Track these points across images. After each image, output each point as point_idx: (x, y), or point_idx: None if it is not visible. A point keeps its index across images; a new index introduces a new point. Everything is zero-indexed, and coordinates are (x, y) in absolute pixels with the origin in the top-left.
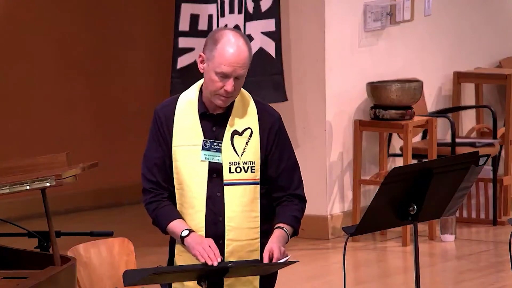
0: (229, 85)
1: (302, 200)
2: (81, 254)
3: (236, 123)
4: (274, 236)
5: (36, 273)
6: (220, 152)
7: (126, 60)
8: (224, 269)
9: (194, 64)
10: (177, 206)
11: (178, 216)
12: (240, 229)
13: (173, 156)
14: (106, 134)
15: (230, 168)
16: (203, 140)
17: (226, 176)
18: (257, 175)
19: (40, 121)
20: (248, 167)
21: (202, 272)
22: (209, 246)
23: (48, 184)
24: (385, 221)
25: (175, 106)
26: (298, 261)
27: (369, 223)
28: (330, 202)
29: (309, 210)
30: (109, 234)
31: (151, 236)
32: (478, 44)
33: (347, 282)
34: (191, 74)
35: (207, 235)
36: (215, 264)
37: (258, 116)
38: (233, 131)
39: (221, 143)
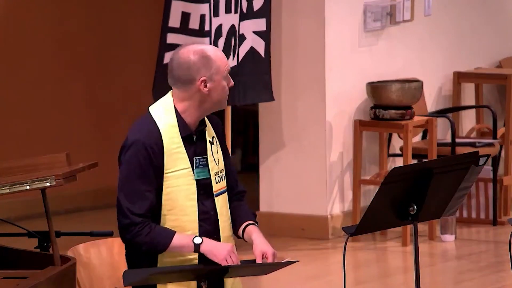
0: (231, 79)
1: (245, 195)
2: (81, 254)
3: (207, 134)
4: (259, 236)
5: (36, 273)
6: (206, 166)
7: (126, 60)
8: (224, 269)
9: None
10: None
11: (174, 231)
12: (228, 237)
13: (164, 183)
14: (106, 134)
15: (216, 178)
16: (194, 159)
17: (215, 187)
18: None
19: (40, 121)
20: (223, 174)
21: (202, 272)
22: (233, 252)
23: (48, 184)
24: (385, 221)
25: (160, 133)
26: (298, 261)
27: (369, 223)
28: (330, 202)
29: (309, 210)
30: (109, 234)
31: None
32: (478, 44)
33: (347, 282)
34: None
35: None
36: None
37: (210, 123)
38: (209, 142)
39: (206, 157)
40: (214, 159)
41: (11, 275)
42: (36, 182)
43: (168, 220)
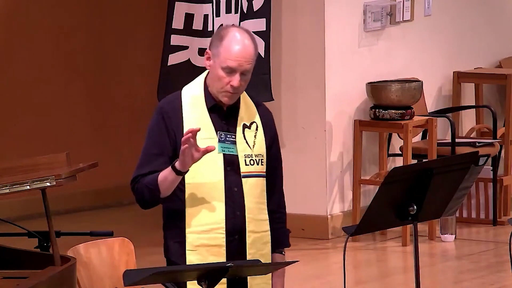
0: (236, 80)
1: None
2: (81, 254)
3: (243, 116)
4: (277, 280)
5: (36, 273)
6: (234, 144)
7: (125, 60)
8: (224, 269)
9: (185, 63)
10: (187, 203)
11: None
12: (257, 221)
13: None
14: (106, 134)
15: (245, 160)
16: (219, 133)
17: (243, 169)
18: (264, 167)
19: (40, 121)
20: (259, 159)
21: (202, 272)
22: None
23: (48, 184)
24: (385, 221)
25: (181, 101)
26: (298, 261)
27: (369, 223)
28: (330, 202)
29: (309, 210)
30: (109, 234)
31: (151, 236)
32: (478, 44)
33: (347, 282)
34: (181, 72)
35: (226, 228)
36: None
37: (258, 111)
38: (243, 124)
39: (235, 135)
40: (247, 142)
41: (11, 275)
42: (36, 182)
43: (191, 189)
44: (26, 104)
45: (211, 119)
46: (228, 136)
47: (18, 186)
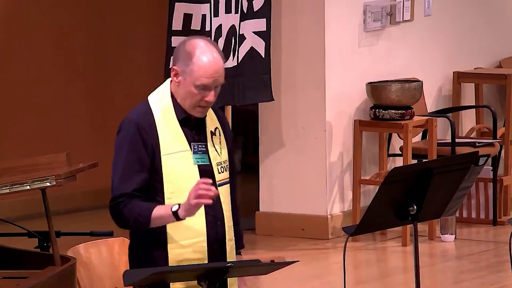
0: (211, 96)
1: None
2: (81, 254)
3: (208, 123)
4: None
5: (36, 273)
6: (206, 153)
7: (125, 60)
8: (224, 269)
9: None
10: None
11: (155, 204)
12: (231, 228)
13: (163, 165)
14: (105, 134)
15: (218, 168)
16: (192, 144)
17: (217, 177)
18: (228, 172)
19: (40, 121)
20: (226, 165)
21: (202, 272)
22: (202, 183)
23: (48, 184)
24: (385, 221)
25: (152, 114)
26: (298, 261)
27: (369, 223)
28: (330, 202)
29: (309, 210)
30: (109, 234)
31: None
32: (478, 44)
33: (347, 282)
34: None
35: (209, 240)
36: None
37: (216, 115)
38: (210, 132)
39: (205, 144)
40: (216, 149)
41: (11, 275)
42: (36, 182)
43: (172, 202)
44: (26, 104)
45: (183, 131)
46: (200, 146)
47: (18, 186)
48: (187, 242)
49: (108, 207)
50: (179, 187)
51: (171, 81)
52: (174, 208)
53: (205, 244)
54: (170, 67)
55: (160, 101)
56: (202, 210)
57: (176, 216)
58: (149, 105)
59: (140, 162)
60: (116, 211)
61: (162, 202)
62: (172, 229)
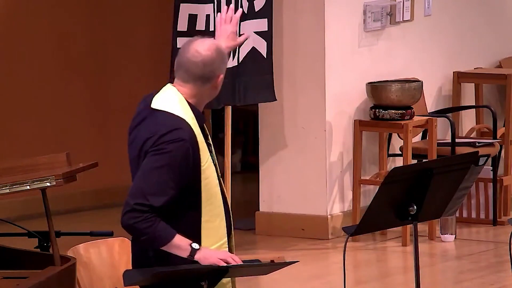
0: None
1: None
2: (81, 254)
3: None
4: None
5: (36, 273)
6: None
7: (125, 60)
8: (224, 269)
9: None
10: (202, 223)
11: (175, 231)
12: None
13: (202, 175)
14: (106, 134)
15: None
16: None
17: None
18: None
19: (40, 121)
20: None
21: (202, 272)
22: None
23: (48, 184)
24: (385, 221)
25: (193, 129)
26: (298, 261)
27: (369, 223)
28: (330, 202)
29: (309, 210)
30: (109, 234)
31: None
32: (478, 44)
33: (347, 282)
34: None
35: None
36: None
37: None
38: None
39: (210, 142)
40: (211, 144)
41: (11, 275)
42: (36, 182)
43: (207, 210)
44: (26, 104)
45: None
46: (209, 145)
47: (18, 186)
48: (216, 245)
49: (125, 204)
50: (215, 193)
51: (178, 90)
52: (195, 246)
53: (227, 246)
54: (215, 77)
55: (186, 113)
56: (223, 212)
57: (192, 254)
58: (181, 118)
59: (177, 182)
60: (135, 218)
61: (196, 211)
62: (206, 234)
